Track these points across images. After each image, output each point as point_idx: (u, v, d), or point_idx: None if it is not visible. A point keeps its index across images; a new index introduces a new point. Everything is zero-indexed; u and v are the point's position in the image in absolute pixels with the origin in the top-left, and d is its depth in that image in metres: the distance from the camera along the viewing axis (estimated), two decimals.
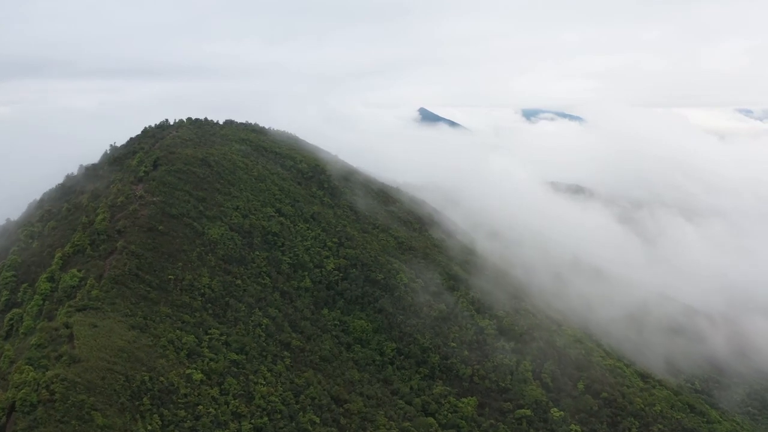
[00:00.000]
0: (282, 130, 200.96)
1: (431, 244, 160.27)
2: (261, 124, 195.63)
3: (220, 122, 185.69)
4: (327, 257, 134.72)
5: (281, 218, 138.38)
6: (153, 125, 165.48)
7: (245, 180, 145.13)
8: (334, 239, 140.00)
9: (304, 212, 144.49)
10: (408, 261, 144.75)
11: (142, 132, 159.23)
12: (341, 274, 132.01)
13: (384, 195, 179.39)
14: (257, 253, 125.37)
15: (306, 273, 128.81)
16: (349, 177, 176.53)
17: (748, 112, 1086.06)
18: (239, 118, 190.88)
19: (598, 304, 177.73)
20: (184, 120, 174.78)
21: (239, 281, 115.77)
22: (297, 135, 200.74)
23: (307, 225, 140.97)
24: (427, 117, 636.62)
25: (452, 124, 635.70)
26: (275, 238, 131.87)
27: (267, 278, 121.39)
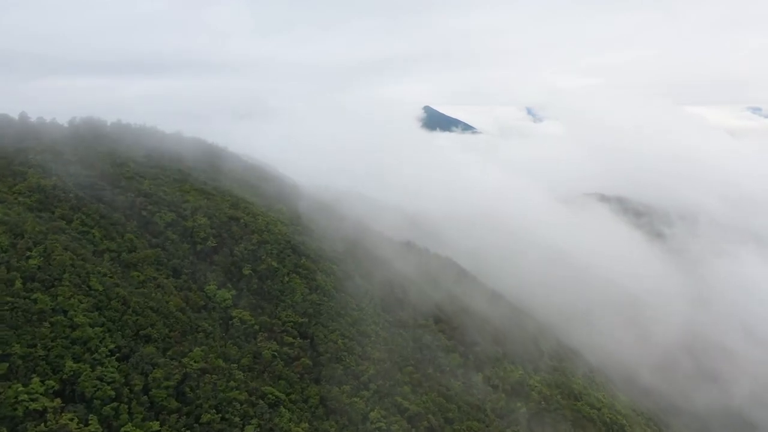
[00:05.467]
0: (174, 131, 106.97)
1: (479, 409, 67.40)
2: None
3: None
4: None
5: None
6: None
7: None
8: None
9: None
10: None
11: None
12: None
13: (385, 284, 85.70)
14: None
15: None
16: (307, 241, 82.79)
17: (756, 110, 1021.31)
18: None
19: None
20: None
21: None
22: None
23: None
24: (433, 116, 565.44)
25: (457, 123, 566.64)
26: None
27: None
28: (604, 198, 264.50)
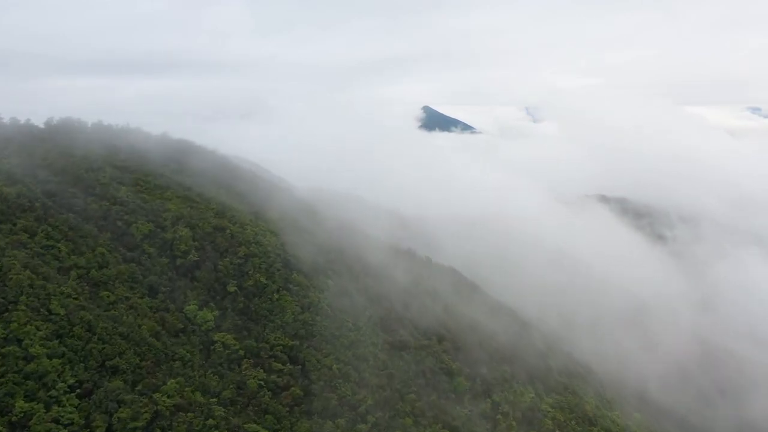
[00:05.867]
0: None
1: None
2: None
3: None
4: None
5: None
6: None
7: None
8: None
9: None
10: None
11: None
12: None
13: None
14: None
15: None
16: (300, 253, 75.99)
17: (756, 110, 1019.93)
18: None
19: None
20: None
21: None
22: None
23: None
24: (432, 116, 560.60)
25: (457, 123, 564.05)
26: None
27: None
28: (604, 199, 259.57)
